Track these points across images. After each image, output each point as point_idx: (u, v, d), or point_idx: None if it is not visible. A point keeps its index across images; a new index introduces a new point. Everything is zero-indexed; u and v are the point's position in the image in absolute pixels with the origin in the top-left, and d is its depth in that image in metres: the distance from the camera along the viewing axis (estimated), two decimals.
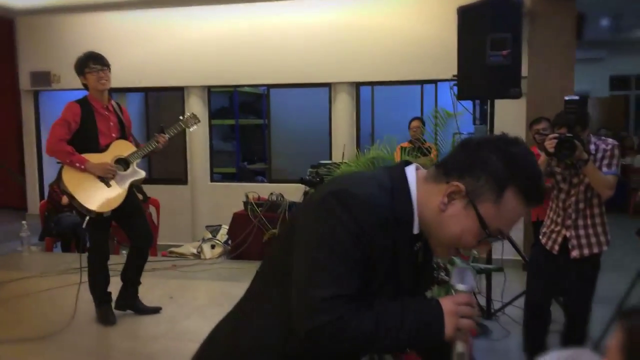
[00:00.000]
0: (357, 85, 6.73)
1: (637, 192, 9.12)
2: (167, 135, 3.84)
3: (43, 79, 7.48)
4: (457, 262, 1.25)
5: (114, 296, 3.88)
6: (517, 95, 4.17)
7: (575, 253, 3.33)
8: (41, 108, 7.90)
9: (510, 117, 6.05)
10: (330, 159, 6.35)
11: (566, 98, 3.27)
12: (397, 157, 5.67)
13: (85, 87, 3.70)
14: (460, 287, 1.24)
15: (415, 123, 6.22)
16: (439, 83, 6.40)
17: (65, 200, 6.04)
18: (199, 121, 4.10)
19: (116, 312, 3.84)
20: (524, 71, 6.01)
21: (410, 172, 1.23)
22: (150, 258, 5.61)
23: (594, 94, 15.72)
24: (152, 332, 3.63)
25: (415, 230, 1.22)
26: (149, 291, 4.18)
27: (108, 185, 3.61)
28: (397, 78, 6.42)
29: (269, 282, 1.28)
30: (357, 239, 1.13)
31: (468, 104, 5.81)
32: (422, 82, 6.57)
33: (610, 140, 3.40)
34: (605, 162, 3.28)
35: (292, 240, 1.21)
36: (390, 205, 1.18)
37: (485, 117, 4.75)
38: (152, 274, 4.98)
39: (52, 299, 4.22)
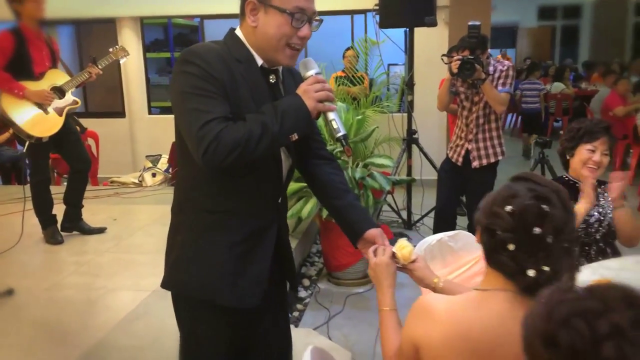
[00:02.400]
0: None
1: (554, 116, 9.83)
2: (99, 67, 3.97)
3: None
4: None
5: (59, 221, 4.11)
6: (432, 24, 4.52)
7: (475, 163, 3.80)
8: None
9: (433, 45, 6.41)
10: None
11: (469, 23, 3.63)
12: (331, 85, 5.98)
13: (18, 15, 3.70)
14: (308, 73, 1.54)
15: (349, 52, 6.48)
16: (368, 13, 6.64)
17: (2, 138, 6.09)
18: (128, 54, 4.26)
19: (63, 233, 4.08)
20: (445, 1, 6.37)
21: (237, 29, 1.56)
22: (92, 187, 5.85)
23: (523, 24, 16.33)
24: (99, 247, 3.91)
25: (259, 63, 1.54)
26: (93, 216, 4.42)
27: (46, 112, 3.77)
28: (327, 8, 6.62)
29: (178, 145, 1.58)
30: (204, 78, 1.42)
31: (399, 35, 6.11)
32: (352, 13, 6.79)
33: (506, 62, 3.82)
34: (501, 81, 3.71)
35: None
36: (225, 50, 1.51)
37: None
38: (96, 200, 5.21)
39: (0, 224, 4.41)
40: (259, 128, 1.42)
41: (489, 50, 3.85)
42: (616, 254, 2.52)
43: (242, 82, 1.49)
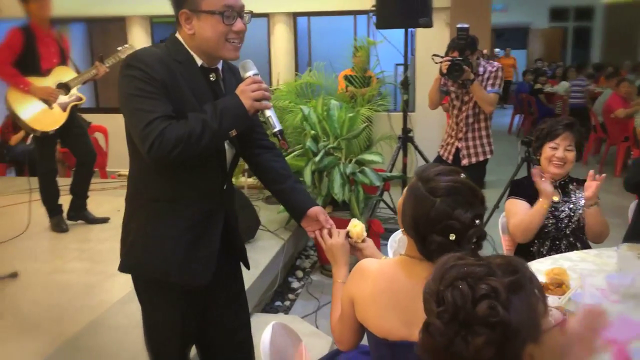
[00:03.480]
0: (294, 15, 7.04)
1: (560, 116, 9.84)
2: (106, 65, 4.14)
3: None
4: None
5: (65, 210, 4.31)
6: (427, 25, 4.62)
7: (465, 161, 3.92)
8: None
9: (435, 46, 6.51)
10: (270, 86, 6.74)
11: (458, 26, 3.76)
12: (342, 85, 6.11)
13: (28, 14, 3.90)
14: (246, 74, 1.68)
15: (361, 52, 6.58)
16: (370, 14, 6.75)
17: (14, 141, 6.33)
18: None
19: (68, 222, 4.27)
20: (447, 2, 6.49)
21: (177, 33, 1.70)
22: (100, 180, 6.05)
23: (534, 25, 16.32)
24: (101, 236, 4.09)
25: (199, 63, 1.68)
26: (98, 206, 4.60)
27: (50, 108, 3.95)
28: (331, 9, 6.76)
29: (128, 142, 1.73)
30: (146, 80, 1.57)
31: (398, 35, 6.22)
32: (354, 13, 6.92)
33: (495, 63, 3.94)
34: (490, 82, 3.82)
35: None
36: (165, 52, 1.65)
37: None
38: (102, 192, 5.39)
39: (7, 214, 4.61)
40: (200, 125, 1.56)
41: (497, 49, 3.95)
42: (586, 247, 2.62)
43: (183, 81, 1.63)
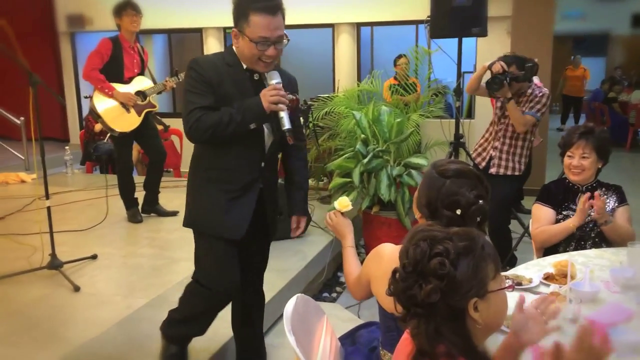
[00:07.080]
0: (358, 26, 7.33)
1: (634, 127, 9.51)
2: (174, 80, 4.60)
3: (77, 21, 8.30)
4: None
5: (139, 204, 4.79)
6: (480, 34, 4.77)
7: (493, 170, 3.98)
8: (78, 49, 8.76)
9: (495, 54, 6.57)
10: (333, 92, 7.05)
11: (529, 64, 3.87)
12: (385, 93, 6.32)
13: (119, 27, 4.42)
14: (271, 82, 2.14)
15: (402, 60, 6.75)
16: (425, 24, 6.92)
17: (97, 127, 6.95)
18: None
19: (143, 215, 4.76)
20: (508, 11, 6.55)
21: (233, 45, 2.20)
22: (175, 179, 6.58)
23: (614, 32, 15.70)
24: (170, 227, 4.54)
25: (244, 66, 2.17)
26: (170, 201, 5.05)
27: (128, 112, 4.44)
28: (393, 19, 6.99)
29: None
30: (199, 80, 2.11)
31: (469, 43, 6.32)
32: (416, 23, 7.10)
33: (544, 89, 3.98)
34: (530, 105, 3.87)
35: None
36: (220, 58, 2.19)
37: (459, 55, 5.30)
38: (174, 189, 5.87)
39: (92, 205, 5.17)
40: (227, 117, 2.07)
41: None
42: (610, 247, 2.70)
43: (229, 80, 2.11)
